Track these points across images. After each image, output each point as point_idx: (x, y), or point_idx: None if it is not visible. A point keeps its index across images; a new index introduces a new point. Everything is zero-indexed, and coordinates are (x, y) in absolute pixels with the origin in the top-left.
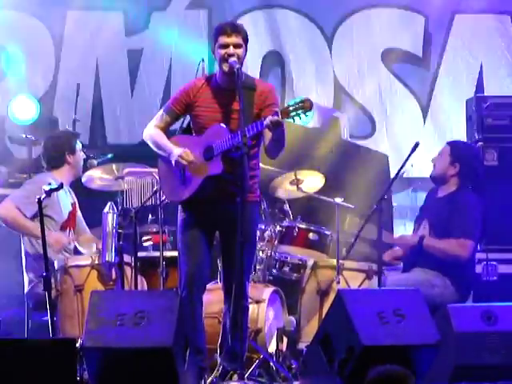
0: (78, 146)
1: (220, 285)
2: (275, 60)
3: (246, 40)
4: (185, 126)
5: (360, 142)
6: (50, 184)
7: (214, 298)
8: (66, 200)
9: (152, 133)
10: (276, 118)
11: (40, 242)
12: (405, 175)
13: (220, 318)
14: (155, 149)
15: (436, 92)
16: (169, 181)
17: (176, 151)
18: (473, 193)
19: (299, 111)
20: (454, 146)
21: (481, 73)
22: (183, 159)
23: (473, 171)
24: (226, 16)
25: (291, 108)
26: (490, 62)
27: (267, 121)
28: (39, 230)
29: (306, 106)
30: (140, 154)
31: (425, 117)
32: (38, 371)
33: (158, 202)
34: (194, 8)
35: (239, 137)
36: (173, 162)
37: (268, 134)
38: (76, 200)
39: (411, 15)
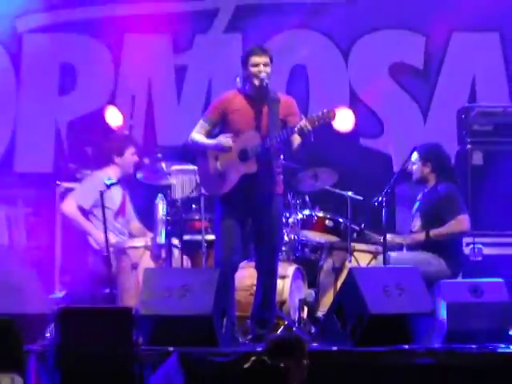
0: (130, 150)
1: (251, 263)
2: (301, 73)
3: (272, 59)
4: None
5: (370, 141)
6: (109, 179)
7: (246, 274)
8: (117, 192)
9: (196, 137)
10: (308, 126)
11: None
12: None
13: (251, 290)
14: (200, 148)
15: (434, 99)
16: (208, 177)
17: (219, 139)
18: (448, 181)
19: (324, 120)
20: (420, 149)
21: (473, 85)
22: (225, 142)
23: (443, 164)
24: (257, 39)
25: (316, 117)
26: (482, 75)
27: (298, 127)
28: (91, 229)
29: (330, 115)
30: (183, 154)
31: (425, 120)
32: (101, 335)
33: (199, 194)
34: (230, 32)
35: (269, 141)
36: (221, 145)
37: (296, 139)
38: (127, 192)
39: (414, 35)
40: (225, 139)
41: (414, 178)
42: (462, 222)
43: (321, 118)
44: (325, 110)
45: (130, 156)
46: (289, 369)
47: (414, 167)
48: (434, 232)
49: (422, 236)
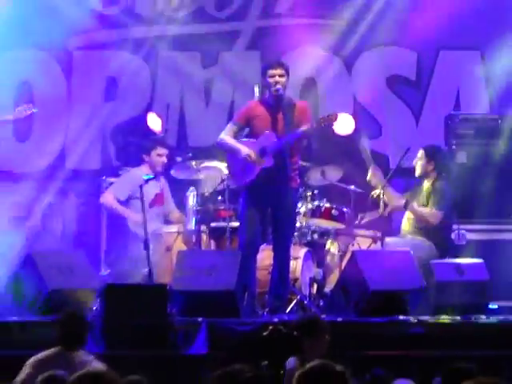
0: (156, 151)
1: (269, 246)
2: (311, 84)
3: (287, 71)
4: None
5: (370, 142)
6: (147, 175)
7: (265, 255)
8: (153, 185)
9: (225, 139)
10: (310, 128)
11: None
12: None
13: (269, 269)
14: (228, 149)
15: (425, 106)
16: (234, 171)
17: (244, 150)
18: (446, 180)
19: (327, 122)
20: (427, 149)
21: (458, 95)
22: (249, 156)
23: (444, 164)
24: (273, 55)
25: (322, 119)
26: (465, 87)
27: (303, 130)
28: (129, 214)
29: (332, 118)
30: (211, 153)
31: (417, 124)
32: (140, 308)
33: (224, 187)
34: (250, 50)
35: (283, 141)
36: (242, 156)
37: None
38: (166, 186)
39: (407, 51)
40: (246, 152)
41: (417, 172)
42: (435, 216)
43: (325, 119)
44: (329, 113)
45: (155, 156)
46: (302, 338)
47: (419, 163)
48: (412, 206)
49: (401, 202)
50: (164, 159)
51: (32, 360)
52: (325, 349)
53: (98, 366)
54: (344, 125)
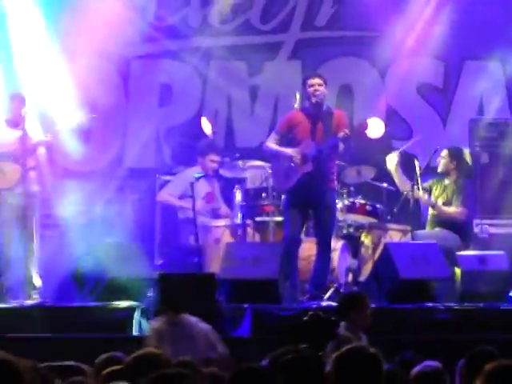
0: (210, 156)
1: (310, 239)
2: (347, 90)
3: (325, 82)
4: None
5: (401, 143)
6: (198, 173)
7: (306, 247)
8: (203, 184)
9: (270, 145)
10: (346, 135)
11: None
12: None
13: (309, 260)
14: (273, 154)
15: (451, 112)
16: (277, 176)
17: (290, 152)
18: (466, 178)
19: (360, 130)
20: (450, 150)
21: (481, 101)
22: (295, 157)
23: (464, 164)
24: (313, 65)
25: (355, 129)
26: (488, 94)
27: (340, 137)
28: (184, 204)
29: (364, 126)
30: (256, 154)
31: (444, 127)
32: (191, 294)
33: (267, 185)
34: (292, 59)
35: (322, 148)
36: (290, 155)
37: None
38: (217, 186)
39: (436, 61)
40: (292, 153)
41: (440, 169)
42: (461, 214)
43: (358, 128)
44: (360, 122)
45: (209, 162)
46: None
47: (443, 161)
48: (440, 208)
49: (431, 204)
50: (215, 165)
51: (151, 332)
52: (368, 321)
53: (203, 325)
54: (375, 129)
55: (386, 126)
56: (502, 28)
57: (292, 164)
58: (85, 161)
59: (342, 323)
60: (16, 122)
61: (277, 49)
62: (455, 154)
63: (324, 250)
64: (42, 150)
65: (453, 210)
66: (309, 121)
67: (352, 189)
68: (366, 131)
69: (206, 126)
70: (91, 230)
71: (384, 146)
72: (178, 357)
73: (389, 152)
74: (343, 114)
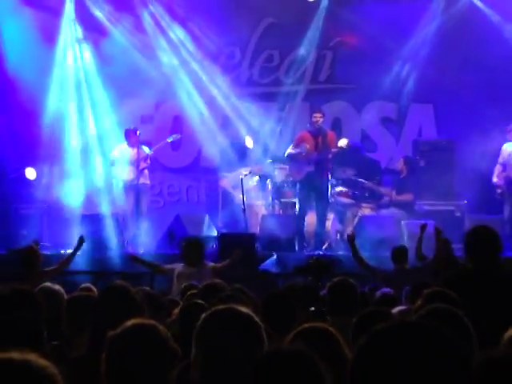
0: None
1: (312, 212)
2: (337, 121)
3: (324, 115)
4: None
5: (370, 154)
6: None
7: (310, 217)
8: (250, 180)
9: (291, 152)
10: (336, 149)
11: None
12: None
13: (313, 225)
14: (294, 156)
15: (402, 135)
16: (294, 171)
17: (304, 149)
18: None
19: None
20: (404, 158)
21: (420, 127)
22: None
23: (412, 165)
24: (316, 104)
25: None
26: (424, 124)
27: (333, 150)
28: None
29: (343, 146)
30: (281, 160)
31: (397, 144)
32: (241, 246)
33: (288, 179)
34: (304, 101)
35: (321, 155)
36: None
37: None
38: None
39: (390, 103)
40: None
41: (398, 169)
42: (410, 197)
43: (340, 147)
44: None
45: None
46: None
47: (399, 165)
48: (395, 195)
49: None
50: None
51: (175, 272)
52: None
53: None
54: (344, 143)
55: (356, 142)
56: (436, 80)
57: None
58: (176, 161)
59: None
60: (133, 143)
61: (295, 95)
62: (407, 161)
63: (321, 219)
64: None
65: (405, 196)
66: (313, 138)
67: (340, 181)
68: (338, 144)
69: (249, 142)
70: (180, 206)
71: (360, 154)
72: None
73: (361, 160)
74: (334, 135)
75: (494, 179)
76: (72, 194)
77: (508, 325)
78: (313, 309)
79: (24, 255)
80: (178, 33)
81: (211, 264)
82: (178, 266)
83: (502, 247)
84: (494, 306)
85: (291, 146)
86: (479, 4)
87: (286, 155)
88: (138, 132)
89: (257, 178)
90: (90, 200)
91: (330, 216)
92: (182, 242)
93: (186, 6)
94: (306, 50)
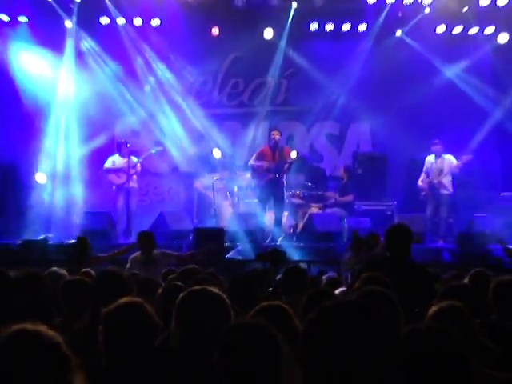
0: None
1: (271, 211)
2: (291, 138)
3: (280, 132)
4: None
5: (317, 163)
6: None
7: (269, 216)
8: (217, 182)
9: (253, 163)
10: (290, 160)
11: None
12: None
13: (271, 223)
14: (255, 167)
15: (344, 146)
16: (257, 178)
17: (265, 164)
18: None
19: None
20: (345, 167)
21: (359, 142)
22: (267, 166)
23: (351, 173)
24: (275, 123)
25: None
26: (362, 140)
27: (288, 162)
28: (205, 191)
29: (295, 159)
30: (245, 167)
31: (339, 154)
32: (213, 238)
33: (250, 184)
34: (264, 121)
35: (278, 166)
36: (265, 166)
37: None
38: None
39: (335, 123)
40: (266, 164)
41: (340, 175)
42: (350, 199)
43: (293, 159)
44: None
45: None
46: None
47: (341, 172)
48: (339, 198)
49: (335, 196)
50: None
51: (130, 258)
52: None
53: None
54: (293, 155)
55: (306, 154)
56: (371, 104)
57: (264, 171)
58: (158, 167)
59: None
60: (124, 153)
61: (256, 115)
62: (347, 169)
63: (278, 216)
64: (138, 166)
65: (346, 197)
66: (271, 152)
67: (293, 186)
68: (291, 156)
69: (216, 153)
70: (163, 204)
71: (310, 164)
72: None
73: (310, 168)
74: (289, 149)
75: (419, 184)
76: (72, 195)
77: (416, 299)
78: (270, 289)
79: (78, 244)
80: (160, 66)
81: (160, 251)
82: (135, 254)
83: (412, 240)
84: (405, 285)
85: (253, 158)
86: (406, 39)
87: (248, 164)
88: (128, 144)
89: (225, 181)
90: (87, 200)
91: (285, 213)
92: (138, 234)
93: (168, 45)
94: (265, 78)
